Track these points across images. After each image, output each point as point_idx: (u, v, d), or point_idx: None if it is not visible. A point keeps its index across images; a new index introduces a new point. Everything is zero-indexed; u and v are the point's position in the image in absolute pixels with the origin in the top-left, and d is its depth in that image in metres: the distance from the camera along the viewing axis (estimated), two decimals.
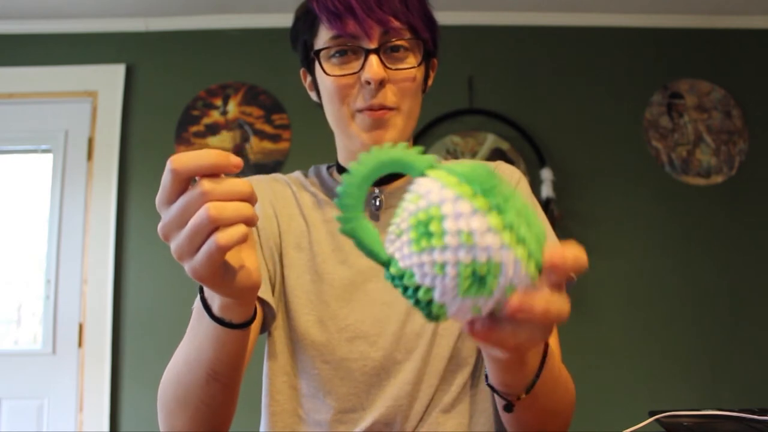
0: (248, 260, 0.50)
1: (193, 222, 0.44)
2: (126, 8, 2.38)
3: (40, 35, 2.45)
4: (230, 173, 0.45)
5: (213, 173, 0.44)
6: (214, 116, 2.41)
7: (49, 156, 2.43)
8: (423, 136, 2.34)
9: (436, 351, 0.77)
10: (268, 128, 2.40)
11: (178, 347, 0.66)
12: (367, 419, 0.76)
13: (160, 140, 2.39)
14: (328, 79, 0.75)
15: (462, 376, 0.79)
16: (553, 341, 0.74)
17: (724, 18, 2.46)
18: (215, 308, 0.56)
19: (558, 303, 0.38)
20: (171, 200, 0.45)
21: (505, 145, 2.36)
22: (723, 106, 2.42)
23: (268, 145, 2.38)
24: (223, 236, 0.43)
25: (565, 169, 2.36)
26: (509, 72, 2.45)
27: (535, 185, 2.34)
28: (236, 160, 0.45)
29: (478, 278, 0.36)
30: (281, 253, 0.81)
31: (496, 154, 2.36)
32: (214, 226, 0.43)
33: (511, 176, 0.84)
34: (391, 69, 0.73)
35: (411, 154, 0.42)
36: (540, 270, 0.38)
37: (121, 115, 2.40)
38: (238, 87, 2.42)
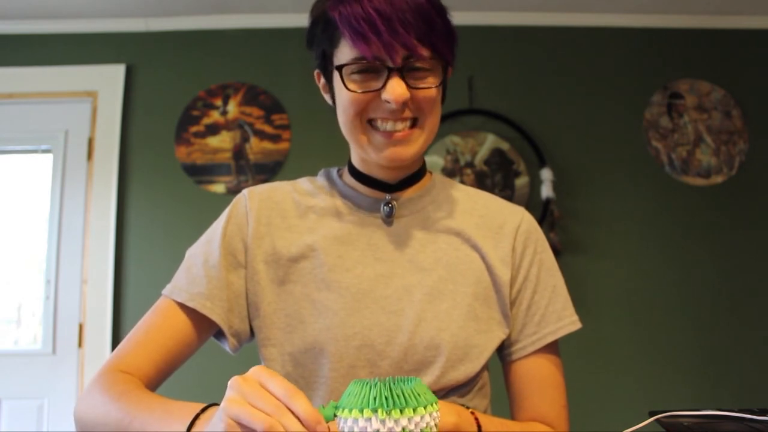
0: None
1: None
2: (126, 8, 2.38)
3: (40, 35, 2.45)
4: None
5: None
6: (214, 116, 2.41)
7: (49, 156, 2.43)
8: None
9: (453, 375, 0.76)
10: (268, 128, 2.39)
11: (108, 383, 0.70)
12: None
13: (160, 140, 2.39)
14: (347, 92, 0.74)
15: (470, 396, 0.80)
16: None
17: (724, 18, 2.46)
18: None
19: None
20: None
21: (505, 145, 2.36)
22: (723, 106, 2.42)
23: (268, 145, 2.38)
24: None
25: (565, 169, 2.36)
26: (509, 72, 2.45)
27: (535, 185, 2.34)
28: None
29: None
30: (282, 272, 0.80)
31: (495, 154, 2.36)
32: None
33: (532, 232, 0.86)
34: (412, 89, 0.73)
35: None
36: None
37: (121, 115, 2.40)
38: (238, 87, 2.42)
